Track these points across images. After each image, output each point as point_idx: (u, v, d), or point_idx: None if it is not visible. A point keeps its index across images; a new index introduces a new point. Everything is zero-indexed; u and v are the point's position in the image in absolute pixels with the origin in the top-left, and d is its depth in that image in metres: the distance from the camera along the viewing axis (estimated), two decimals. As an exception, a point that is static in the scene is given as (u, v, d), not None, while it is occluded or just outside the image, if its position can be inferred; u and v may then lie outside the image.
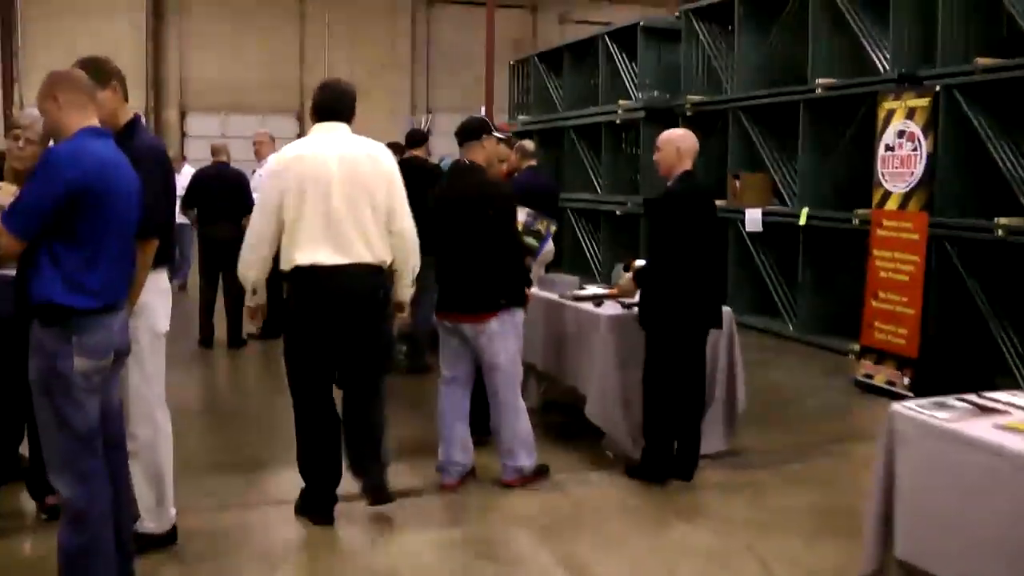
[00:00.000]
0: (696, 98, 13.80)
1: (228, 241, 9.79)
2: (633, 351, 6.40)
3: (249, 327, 10.54)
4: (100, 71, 4.98)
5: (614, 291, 7.03)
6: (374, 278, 5.45)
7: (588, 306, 6.85)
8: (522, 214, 6.67)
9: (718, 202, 9.48)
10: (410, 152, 9.60)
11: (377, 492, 5.72)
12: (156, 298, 5.08)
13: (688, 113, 13.79)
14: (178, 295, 14.56)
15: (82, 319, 4.26)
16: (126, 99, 5.12)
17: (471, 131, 6.31)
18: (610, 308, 6.76)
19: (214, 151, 11.61)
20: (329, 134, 5.51)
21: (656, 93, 14.88)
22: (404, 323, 9.57)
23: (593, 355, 6.61)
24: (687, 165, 6.29)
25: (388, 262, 5.51)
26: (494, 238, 6.06)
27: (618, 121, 15.35)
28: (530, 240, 6.77)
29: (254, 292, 5.71)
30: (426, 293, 9.29)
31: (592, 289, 7.43)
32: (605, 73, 16.18)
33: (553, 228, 7.02)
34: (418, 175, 9.06)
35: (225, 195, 10.90)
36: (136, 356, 4.90)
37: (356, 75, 31.35)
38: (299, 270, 5.35)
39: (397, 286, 5.74)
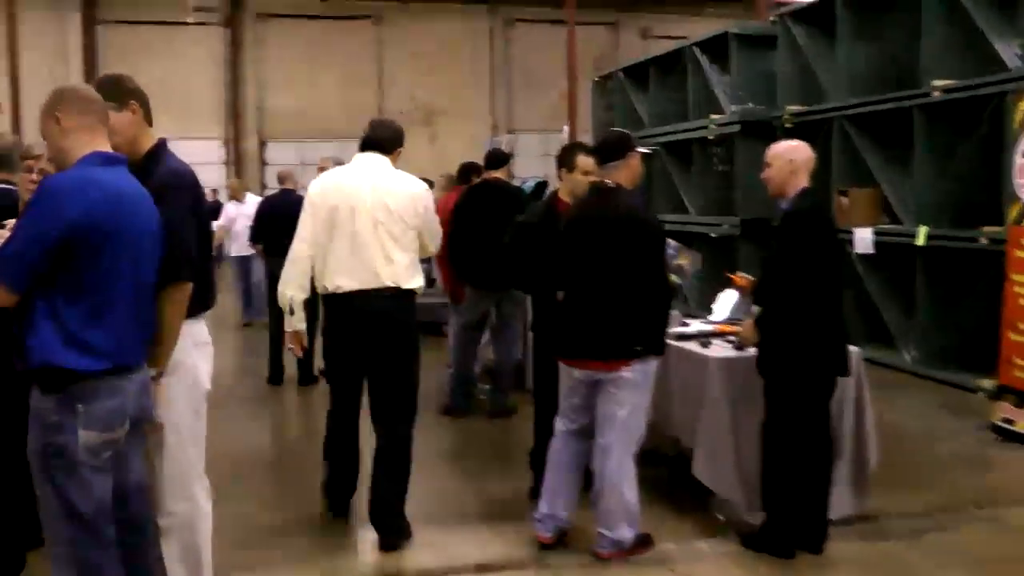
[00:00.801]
0: (795, 108, 12.81)
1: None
2: (749, 401, 5.49)
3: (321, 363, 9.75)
4: (117, 89, 4.26)
5: (724, 328, 6.15)
6: (397, 303, 5.51)
7: (694, 346, 5.95)
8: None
9: None
10: (489, 174, 8.78)
11: (387, 537, 5.67)
12: (193, 353, 4.37)
13: (786, 125, 12.80)
14: (248, 329, 14.36)
15: (88, 384, 3.55)
16: (149, 122, 4.39)
17: (613, 147, 5.47)
18: (720, 349, 5.86)
19: (280, 178, 10.97)
20: (365, 164, 5.68)
21: (750, 105, 13.89)
22: (487, 359, 8.89)
23: (701, 404, 5.70)
24: (804, 181, 5.37)
25: (416, 289, 5.59)
26: (638, 274, 5.21)
27: (710, 136, 14.42)
28: (672, 277, 5.71)
29: (291, 313, 5.73)
30: (509, 327, 8.59)
31: (696, 325, 6.53)
32: (694, 86, 15.25)
33: (698, 264, 6.06)
34: (498, 199, 8.33)
35: (291, 224, 10.08)
36: (171, 422, 4.23)
37: (435, 98, 31.15)
38: (328, 293, 5.58)
39: None
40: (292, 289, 5.68)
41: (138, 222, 3.71)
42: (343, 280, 5.49)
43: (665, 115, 16.52)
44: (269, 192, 19.75)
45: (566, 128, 21.77)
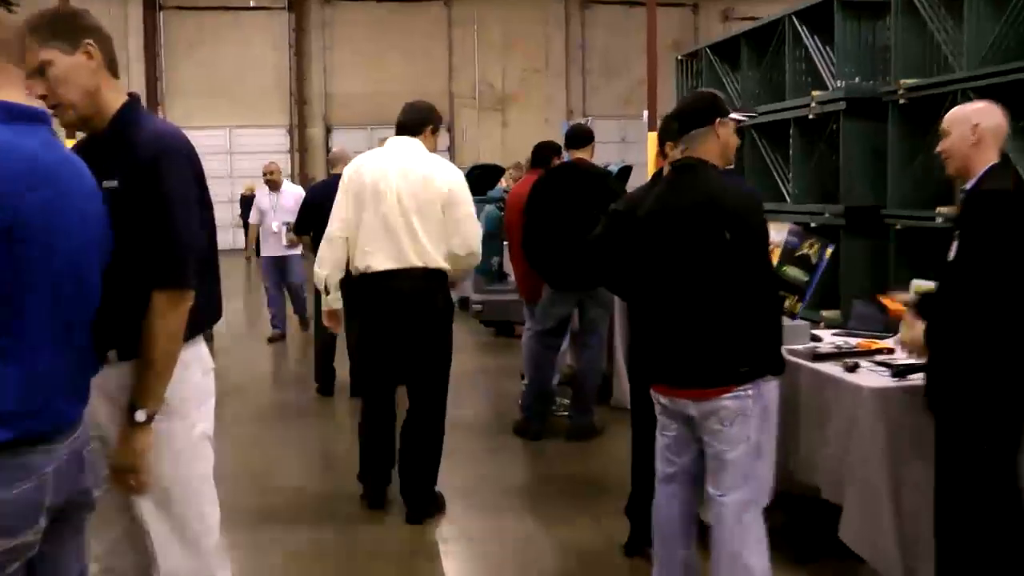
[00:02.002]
0: (911, 82, 11.31)
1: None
2: (917, 445, 4.17)
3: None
4: (66, 23, 3.10)
5: (871, 344, 4.84)
6: (427, 283, 5.55)
7: (836, 369, 4.62)
8: (779, 232, 4.48)
9: (943, 210, 7.46)
10: (572, 154, 7.48)
11: (417, 504, 5.80)
12: (201, 384, 3.32)
13: (901, 101, 11.29)
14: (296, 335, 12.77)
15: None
16: (114, 72, 3.22)
17: (696, 112, 4.20)
18: (871, 374, 4.51)
19: (331, 162, 9.76)
20: (394, 147, 5.75)
21: (857, 80, 12.41)
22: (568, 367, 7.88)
23: (849, 448, 4.37)
24: (993, 155, 4.03)
25: (444, 269, 5.61)
26: (734, 272, 3.92)
27: (811, 116, 12.91)
28: (794, 272, 4.45)
29: (327, 292, 5.80)
30: (593, 333, 7.35)
31: (832, 340, 5.22)
32: (793, 61, 13.78)
33: (829, 251, 4.64)
34: (582, 183, 7.07)
35: None
36: (157, 495, 3.13)
37: (507, 82, 30.31)
38: (359, 274, 5.64)
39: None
40: (327, 268, 5.75)
41: (67, 207, 2.50)
42: (373, 260, 5.56)
43: (759, 94, 15.09)
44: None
45: (645, 114, 20.57)
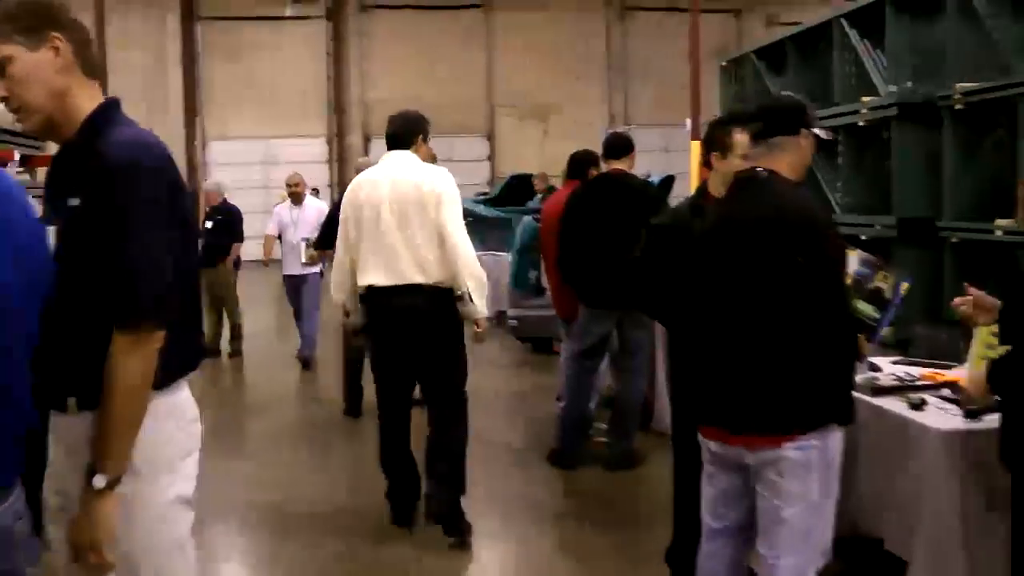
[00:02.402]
0: (968, 86, 10.78)
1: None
2: (992, 496, 3.70)
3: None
4: (30, 14, 2.69)
5: (938, 376, 4.37)
6: (427, 299, 5.46)
7: (900, 406, 4.15)
8: (851, 261, 3.92)
9: (1002, 222, 6.91)
10: (610, 164, 7.00)
11: (444, 521, 5.73)
12: (176, 441, 2.83)
13: (957, 106, 10.76)
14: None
15: None
16: (91, 74, 2.80)
17: (785, 118, 3.67)
18: (940, 414, 4.03)
19: (358, 172, 9.22)
20: (389, 161, 5.69)
21: (911, 84, 11.89)
22: (608, 388, 7.70)
23: (916, 496, 3.89)
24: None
25: (445, 283, 5.50)
26: (806, 303, 3.42)
27: (861, 123, 12.36)
28: (864, 307, 3.89)
29: (347, 315, 5.91)
30: (634, 354, 6.90)
31: (893, 370, 4.74)
32: (842, 65, 13.26)
33: (906, 286, 4.11)
34: (621, 195, 6.64)
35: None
36: (122, 571, 2.67)
37: (547, 90, 29.85)
38: (363, 292, 5.63)
39: (465, 306, 5.55)
40: (342, 294, 5.84)
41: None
42: (374, 278, 5.54)
43: (807, 100, 14.50)
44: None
45: (688, 122, 20.21)
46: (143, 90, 27.02)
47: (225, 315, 11.95)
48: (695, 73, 21.12)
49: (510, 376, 10.72)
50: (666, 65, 28.04)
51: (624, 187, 6.79)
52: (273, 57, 28.18)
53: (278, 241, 11.57)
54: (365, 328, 5.77)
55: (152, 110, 27.45)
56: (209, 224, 12.07)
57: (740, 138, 4.36)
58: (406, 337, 5.53)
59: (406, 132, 5.72)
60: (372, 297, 5.58)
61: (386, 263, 5.48)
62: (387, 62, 28.96)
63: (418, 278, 5.44)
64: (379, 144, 27.34)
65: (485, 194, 20.36)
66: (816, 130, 3.71)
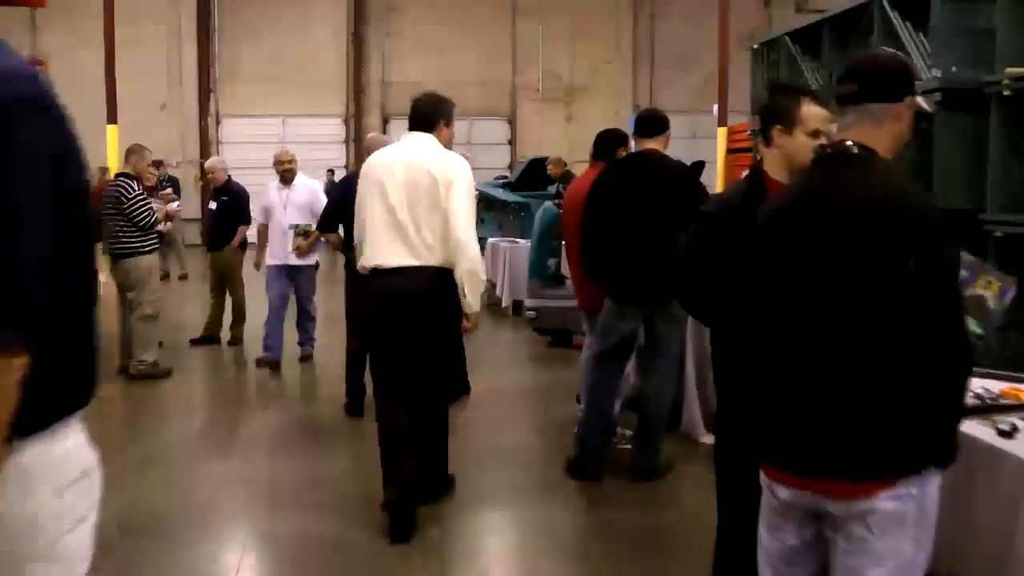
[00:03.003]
0: (1017, 71, 10.12)
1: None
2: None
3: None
4: None
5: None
6: (426, 281, 5.37)
7: (986, 432, 3.50)
8: None
9: None
10: (642, 144, 6.29)
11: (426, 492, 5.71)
12: (28, 514, 2.06)
13: (1004, 92, 10.10)
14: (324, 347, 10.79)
15: None
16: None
17: (887, 81, 2.88)
18: (1032, 441, 3.39)
19: (366, 149, 8.52)
20: (405, 143, 5.61)
21: (956, 69, 11.22)
22: (632, 388, 7.02)
23: (1010, 540, 3.24)
24: None
25: (449, 266, 5.40)
26: (915, 317, 2.67)
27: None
28: (969, 325, 3.20)
29: None
30: (663, 355, 6.30)
31: (975, 385, 4.11)
32: (882, 48, 12.60)
33: (1010, 296, 3.44)
34: (655, 178, 6.02)
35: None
36: None
37: (574, 74, 29.31)
38: (367, 271, 5.56)
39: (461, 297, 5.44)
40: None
41: None
42: (379, 259, 5.46)
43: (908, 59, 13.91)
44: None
45: (715, 107, 19.68)
46: (157, 65, 26.64)
47: (229, 299, 11.33)
48: (723, 59, 20.68)
49: (526, 373, 10.06)
50: (693, 51, 27.58)
51: (658, 169, 6.09)
52: (292, 34, 27.70)
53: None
54: (368, 310, 5.63)
55: (166, 85, 27.06)
56: (214, 205, 11.43)
57: (811, 110, 3.72)
58: (400, 316, 5.42)
59: (428, 114, 5.60)
60: (376, 278, 5.47)
61: (392, 244, 5.39)
62: (409, 42, 28.47)
63: (421, 261, 5.36)
64: (397, 124, 27.15)
65: (504, 178, 19.74)
66: (919, 99, 3.05)
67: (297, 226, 9.75)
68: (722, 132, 19.17)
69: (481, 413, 8.12)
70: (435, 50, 28.03)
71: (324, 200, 9.60)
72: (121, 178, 9.68)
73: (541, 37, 28.89)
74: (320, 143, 27.05)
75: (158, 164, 18.55)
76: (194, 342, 11.51)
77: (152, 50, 26.35)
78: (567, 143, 25.19)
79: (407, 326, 5.42)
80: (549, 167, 14.84)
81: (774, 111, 3.84)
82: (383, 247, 5.42)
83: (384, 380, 5.58)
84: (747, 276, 3.05)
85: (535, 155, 19.01)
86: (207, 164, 12.44)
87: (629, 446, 6.68)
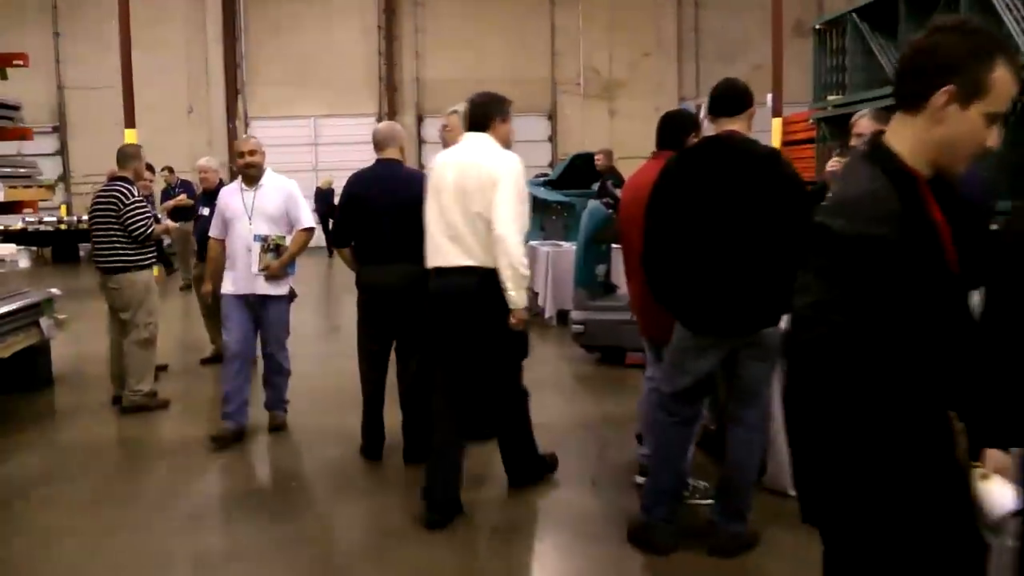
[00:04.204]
0: None
1: (398, 289, 6.42)
2: None
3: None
4: None
5: None
6: (478, 280, 5.37)
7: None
8: None
9: None
10: (720, 125, 4.83)
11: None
12: None
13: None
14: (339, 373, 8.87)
15: None
16: None
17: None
18: None
19: (377, 143, 6.93)
20: (463, 144, 5.63)
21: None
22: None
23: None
24: None
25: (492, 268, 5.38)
26: None
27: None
28: None
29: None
30: (753, 401, 4.87)
31: None
32: (971, 22, 11.13)
33: None
34: (742, 169, 4.66)
35: (391, 211, 6.48)
36: None
37: (614, 67, 28.12)
38: (432, 272, 5.61)
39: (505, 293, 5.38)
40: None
41: None
42: (435, 259, 5.53)
43: None
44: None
45: (769, 97, 18.45)
46: (182, 67, 25.86)
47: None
48: (777, 45, 19.72)
49: (573, 400, 8.57)
50: (741, 41, 26.55)
51: (744, 156, 4.67)
52: (321, 32, 27.06)
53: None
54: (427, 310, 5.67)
55: (192, 87, 26.19)
56: (206, 211, 9.72)
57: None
58: (459, 319, 5.47)
59: (482, 114, 5.60)
60: (434, 279, 5.55)
61: (447, 245, 5.46)
62: (442, 37, 27.59)
63: (476, 261, 5.39)
64: (432, 123, 26.14)
65: (545, 175, 18.35)
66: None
67: (266, 238, 7.31)
68: (777, 123, 17.96)
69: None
70: (470, 46, 27.13)
71: (303, 205, 7.54)
72: (118, 182, 8.42)
73: (580, 30, 27.78)
74: (353, 143, 25.92)
75: (170, 170, 17.48)
76: (204, 361, 10.30)
77: (176, 53, 25.71)
78: (611, 139, 23.90)
79: (461, 325, 5.48)
80: (598, 158, 13.62)
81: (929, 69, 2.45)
82: (440, 247, 5.48)
83: (443, 379, 5.64)
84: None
85: (578, 151, 17.73)
86: (198, 163, 10.83)
87: (704, 501, 5.39)
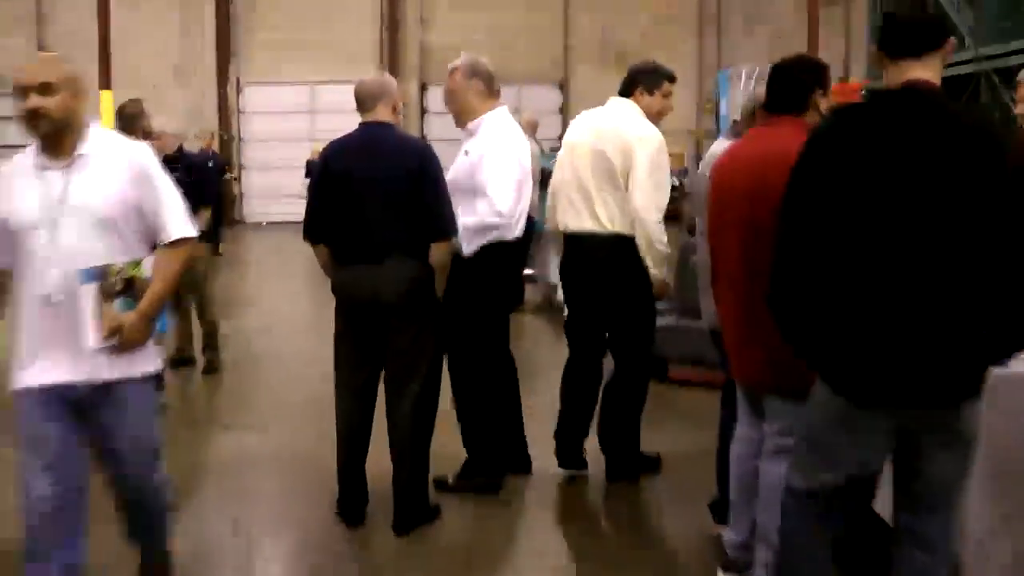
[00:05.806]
0: None
1: (391, 299, 4.90)
2: None
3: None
4: None
5: None
6: (605, 247, 5.43)
7: None
8: None
9: None
10: (903, 71, 3.04)
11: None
12: None
13: None
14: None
15: None
16: None
17: None
18: None
19: (362, 99, 5.27)
20: (606, 107, 5.69)
21: None
22: None
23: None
24: None
25: (623, 233, 5.40)
26: None
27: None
28: None
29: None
30: (940, 509, 3.02)
31: None
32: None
33: None
34: (945, 141, 2.91)
35: (380, 190, 4.88)
36: None
37: (629, 36, 27.06)
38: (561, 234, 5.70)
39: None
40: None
41: None
42: (563, 221, 5.64)
43: (998, 29, 11.71)
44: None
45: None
46: (170, 26, 25.72)
47: (194, 315, 8.31)
48: (813, 11, 19.40)
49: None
50: (765, 7, 25.76)
51: (948, 121, 2.95)
52: (323, -4, 26.08)
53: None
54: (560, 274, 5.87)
55: (180, 48, 25.13)
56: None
57: None
58: (584, 280, 5.57)
59: (628, 80, 5.63)
60: (564, 241, 5.66)
61: (574, 208, 5.51)
62: (448, 1, 26.86)
63: (601, 228, 5.41)
64: (437, 92, 24.91)
65: (558, 150, 16.94)
66: None
67: (103, 272, 3.54)
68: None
69: (544, 516, 5.30)
70: (477, 9, 26.30)
71: (172, 190, 3.96)
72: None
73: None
74: (351, 111, 24.58)
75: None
76: (171, 363, 8.55)
77: (164, 8, 24.50)
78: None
79: (588, 290, 5.56)
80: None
81: None
82: (568, 210, 5.55)
83: (576, 345, 5.74)
84: None
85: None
86: (153, 126, 8.56)
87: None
